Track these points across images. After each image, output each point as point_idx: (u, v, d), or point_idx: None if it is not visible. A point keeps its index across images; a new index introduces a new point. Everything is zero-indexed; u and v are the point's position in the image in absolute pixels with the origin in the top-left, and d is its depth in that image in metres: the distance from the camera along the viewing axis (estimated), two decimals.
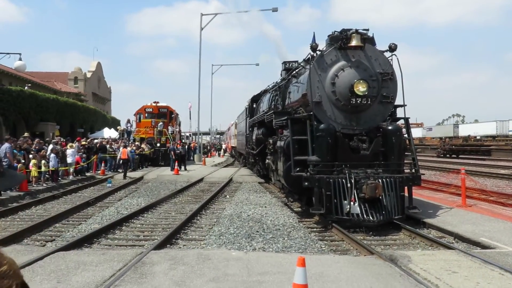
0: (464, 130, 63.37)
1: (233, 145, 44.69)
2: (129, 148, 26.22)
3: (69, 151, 19.29)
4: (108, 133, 39.41)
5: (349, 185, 9.85)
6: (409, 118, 11.61)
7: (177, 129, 35.09)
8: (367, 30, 11.10)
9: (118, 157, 23.88)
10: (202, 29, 33.85)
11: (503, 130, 57.53)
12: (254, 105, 22.44)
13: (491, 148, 44.53)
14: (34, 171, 16.05)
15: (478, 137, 57.77)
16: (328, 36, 11.45)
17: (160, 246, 7.94)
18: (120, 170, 24.32)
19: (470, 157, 42.72)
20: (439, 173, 24.64)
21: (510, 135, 55.03)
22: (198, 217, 11.42)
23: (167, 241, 8.50)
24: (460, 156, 45.78)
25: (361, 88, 10.52)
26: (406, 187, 10.50)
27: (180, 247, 8.36)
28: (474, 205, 12.37)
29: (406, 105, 11.56)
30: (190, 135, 49.24)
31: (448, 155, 46.89)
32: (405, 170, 11.14)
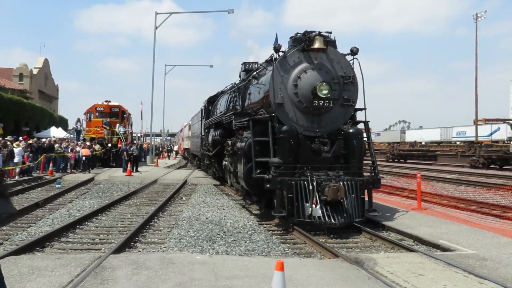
0: (411, 136, 65.57)
1: (186, 147, 44.11)
2: (78, 148, 25.38)
3: (16, 150, 18.34)
4: (55, 132, 37.92)
5: (311, 187, 9.81)
6: (369, 121, 11.73)
7: (130, 130, 34.22)
8: (330, 32, 11.14)
9: (81, 154, 24.65)
10: (156, 28, 33.24)
11: (447, 136, 60.03)
12: (210, 107, 22.14)
13: (437, 154, 46.22)
14: None
15: (423, 143, 59.96)
16: (291, 37, 11.41)
17: (119, 249, 7.57)
18: (68, 171, 23.57)
19: (418, 162, 44.17)
20: (391, 177, 25.21)
21: (454, 141, 57.45)
22: (156, 220, 11.06)
23: (126, 245, 8.13)
24: (407, 161, 47.23)
25: (323, 90, 10.52)
26: (366, 190, 10.58)
27: (140, 251, 8.01)
28: (429, 208, 12.67)
29: (366, 109, 11.68)
30: (141, 135, 48.17)
31: (396, 160, 48.28)
32: (364, 173, 11.25)
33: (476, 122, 48.01)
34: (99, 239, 9.03)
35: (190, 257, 7.08)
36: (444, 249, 8.09)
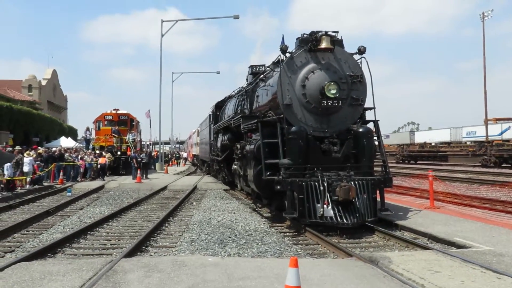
0: (420, 137, 65.08)
1: (195, 153, 44.12)
2: (86, 157, 25.48)
3: (26, 160, 18.41)
4: (65, 142, 38.13)
5: (322, 188, 9.71)
6: (378, 120, 11.62)
7: (139, 137, 34.30)
8: (337, 32, 11.07)
9: (99, 162, 25.03)
10: (163, 35, 33.41)
11: (457, 137, 59.47)
12: (218, 112, 22.14)
13: (447, 154, 45.86)
14: None
15: (433, 144, 59.50)
16: (297, 38, 11.36)
17: (130, 254, 7.52)
18: (79, 179, 23.68)
19: (428, 163, 43.83)
20: (401, 177, 25.01)
21: (464, 141, 56.96)
22: (167, 224, 11.02)
23: (137, 249, 8.10)
24: (418, 162, 46.91)
25: (332, 90, 10.45)
26: (378, 190, 10.46)
27: (152, 255, 7.96)
28: (441, 207, 12.51)
29: (375, 108, 11.58)
30: (150, 143, 48.30)
31: (406, 161, 47.97)
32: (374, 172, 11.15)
33: (486, 122, 47.56)
34: (110, 244, 8.99)
35: (202, 259, 7.02)
36: (459, 246, 7.95)
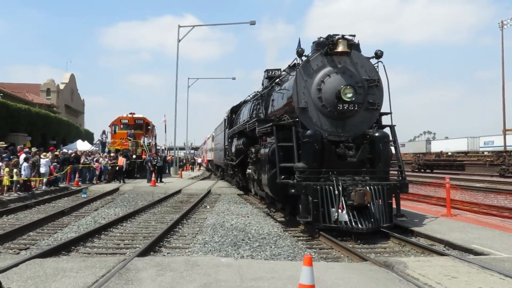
0: (436, 146, 64.34)
1: (209, 158, 44.25)
2: (102, 160, 25.67)
3: (43, 161, 18.59)
4: (81, 145, 38.44)
5: (336, 192, 9.62)
6: (395, 125, 11.48)
7: (154, 142, 34.46)
8: (354, 36, 11.01)
9: (117, 164, 25.77)
10: (179, 40, 33.67)
11: (474, 147, 58.66)
12: (233, 116, 22.15)
13: (464, 163, 45.27)
14: (6, 180, 15.34)
15: (449, 153, 58.78)
16: (314, 42, 11.32)
17: (144, 253, 7.52)
18: (94, 182, 23.86)
19: (444, 172, 43.28)
20: (417, 185, 24.73)
21: (481, 151, 56.17)
22: (180, 226, 11.01)
23: (151, 249, 8.09)
24: (434, 171, 46.38)
25: (348, 94, 10.38)
26: (393, 195, 10.33)
27: (165, 255, 7.95)
28: (458, 214, 12.31)
29: (392, 113, 11.47)
30: (165, 148, 48.49)
31: (422, 170, 47.47)
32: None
33: (504, 131, 46.86)
34: (124, 244, 9.00)
35: (215, 260, 6.98)
36: (477, 253, 7.80)
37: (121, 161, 25.75)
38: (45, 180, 19.02)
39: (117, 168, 25.69)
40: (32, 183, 17.95)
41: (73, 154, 23.93)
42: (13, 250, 8.23)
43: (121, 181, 24.93)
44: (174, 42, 33.15)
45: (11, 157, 17.69)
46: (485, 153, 52.47)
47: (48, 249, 7.71)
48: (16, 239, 9.12)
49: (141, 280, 5.58)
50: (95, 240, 9.21)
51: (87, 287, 5.28)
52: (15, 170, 16.15)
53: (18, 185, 16.52)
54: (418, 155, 56.76)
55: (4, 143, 20.59)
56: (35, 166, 18.22)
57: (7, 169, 15.53)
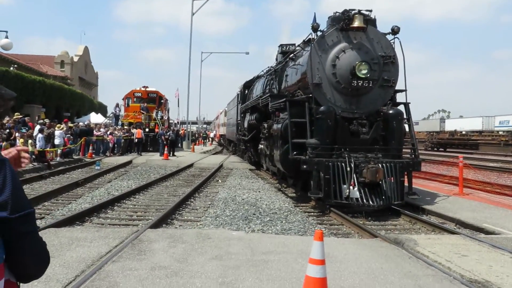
0: (450, 125, 63.66)
1: (221, 133, 44.34)
2: (116, 133, 25.85)
3: (57, 133, 18.78)
4: (95, 118, 38.69)
5: (348, 169, 9.62)
6: (409, 103, 11.36)
7: (166, 116, 34.56)
8: (370, 11, 10.84)
9: (134, 137, 26.41)
10: (193, 14, 33.34)
11: (489, 126, 57.98)
12: (246, 91, 22.07)
13: (478, 142, 44.81)
14: None
15: (464, 132, 58.17)
16: (329, 17, 11.15)
17: (156, 225, 7.64)
18: (108, 154, 24.08)
19: (458, 151, 42.90)
20: (430, 164, 24.60)
21: (496, 131, 55.51)
22: (192, 200, 11.12)
23: (163, 221, 8.21)
24: (447, 149, 46.01)
25: (362, 70, 10.26)
26: (406, 173, 10.30)
27: (177, 227, 8.06)
28: (471, 193, 12.25)
29: (407, 90, 11.33)
30: (178, 122, 48.59)
31: (435, 149, 47.12)
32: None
33: None
34: (137, 216, 9.14)
35: (226, 233, 7.07)
36: (488, 232, 7.79)
37: (139, 133, 26.37)
38: (59, 151, 19.23)
39: (136, 140, 26.32)
40: (49, 155, 18.16)
41: (84, 127, 24.13)
42: None
43: (138, 153, 25.65)
44: (188, 15, 33.06)
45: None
46: (500, 132, 51.88)
47: (63, 219, 7.86)
48: None
49: (154, 251, 5.68)
50: (108, 211, 9.35)
51: (100, 257, 5.39)
52: (30, 141, 16.35)
53: (33, 156, 16.73)
54: (431, 133, 56.26)
55: (19, 114, 20.77)
56: (50, 138, 18.41)
57: (22, 140, 15.71)
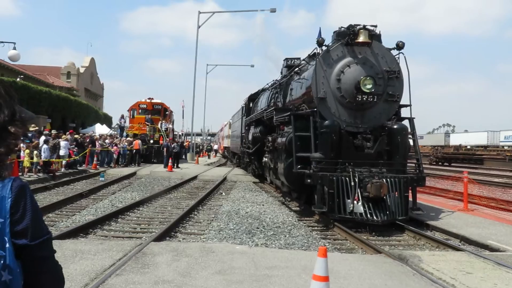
0: (455, 139, 63.45)
1: (226, 145, 44.34)
2: (121, 144, 25.94)
3: (62, 143, 18.86)
4: (100, 129, 38.84)
5: (352, 183, 9.60)
6: (414, 118, 11.37)
7: (171, 127, 34.66)
8: (375, 26, 10.90)
9: (132, 147, 26.63)
10: (199, 27, 33.59)
11: (494, 141, 57.74)
12: (251, 104, 22.14)
13: (483, 157, 44.65)
14: (26, 162, 15.62)
15: (468, 147, 57.96)
16: (334, 32, 11.22)
17: (160, 238, 7.64)
18: (112, 165, 24.12)
19: (463, 165, 42.75)
20: (434, 178, 24.52)
21: (501, 146, 55.29)
22: (196, 212, 11.11)
23: (166, 234, 8.21)
24: (452, 164, 45.83)
25: (367, 85, 10.29)
26: (410, 188, 10.27)
27: (180, 240, 8.06)
28: (476, 209, 12.19)
29: (411, 105, 11.35)
30: (182, 134, 48.76)
31: (440, 163, 46.96)
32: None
33: None
34: (140, 228, 9.15)
35: (230, 247, 7.05)
36: (493, 249, 7.74)
37: (137, 144, 26.42)
38: (64, 162, 19.30)
39: (134, 151, 26.25)
40: (55, 166, 18.22)
41: (94, 137, 24.28)
42: None
43: (134, 164, 25.68)
44: (194, 27, 33.13)
45: (32, 139, 17.96)
46: (505, 147, 51.67)
47: (67, 231, 7.87)
48: None
49: (157, 265, 5.68)
50: (112, 224, 9.36)
51: (104, 270, 5.39)
52: (35, 152, 16.42)
53: (38, 167, 16.80)
54: (436, 147, 56.07)
55: (34, 125, 20.84)
56: (55, 149, 18.48)
57: (27, 151, 15.79)
